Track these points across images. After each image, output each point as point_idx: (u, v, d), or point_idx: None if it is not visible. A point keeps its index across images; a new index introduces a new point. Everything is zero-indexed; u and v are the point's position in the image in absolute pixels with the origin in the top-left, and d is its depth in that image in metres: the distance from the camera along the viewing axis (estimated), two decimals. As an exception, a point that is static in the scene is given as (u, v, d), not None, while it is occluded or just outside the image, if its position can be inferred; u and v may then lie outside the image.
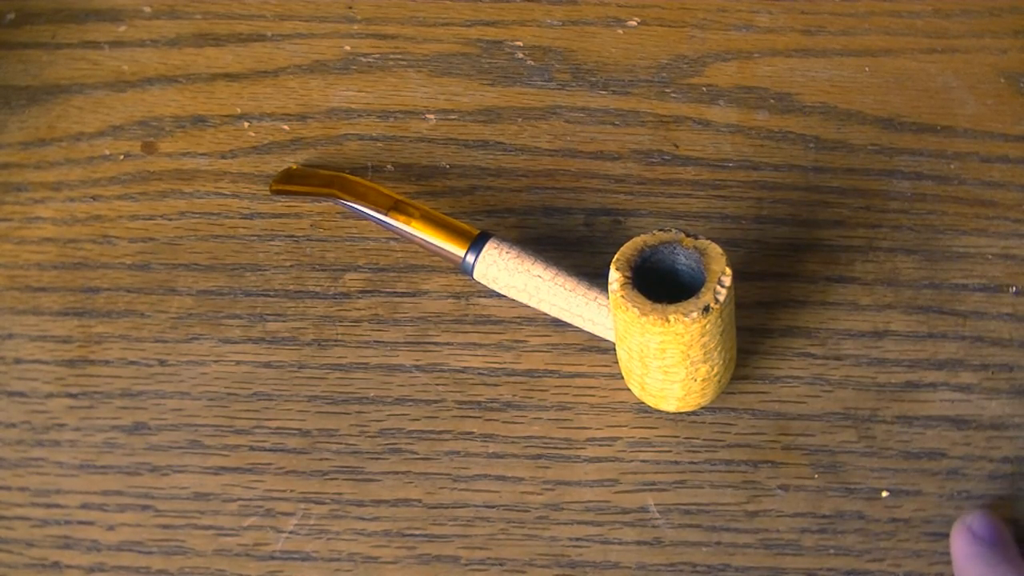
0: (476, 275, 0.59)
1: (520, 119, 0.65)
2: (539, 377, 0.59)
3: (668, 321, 0.53)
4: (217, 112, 0.66)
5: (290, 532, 0.57)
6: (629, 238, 0.55)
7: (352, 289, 0.62)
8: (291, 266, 0.62)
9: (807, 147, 0.63)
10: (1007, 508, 0.56)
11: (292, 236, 0.63)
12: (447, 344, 0.60)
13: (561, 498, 0.57)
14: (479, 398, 0.59)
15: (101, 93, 0.67)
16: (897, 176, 0.62)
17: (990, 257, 0.60)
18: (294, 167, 0.64)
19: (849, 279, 0.60)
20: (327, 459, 0.58)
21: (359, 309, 0.61)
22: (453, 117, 0.65)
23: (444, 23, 0.68)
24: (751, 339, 0.59)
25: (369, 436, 0.59)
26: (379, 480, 0.58)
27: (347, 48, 0.68)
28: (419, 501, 0.57)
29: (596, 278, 0.58)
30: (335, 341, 0.60)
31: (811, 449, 0.57)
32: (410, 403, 0.59)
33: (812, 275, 0.60)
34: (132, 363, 0.61)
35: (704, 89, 0.65)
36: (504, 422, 0.58)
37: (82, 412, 0.60)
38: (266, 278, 0.62)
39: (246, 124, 0.66)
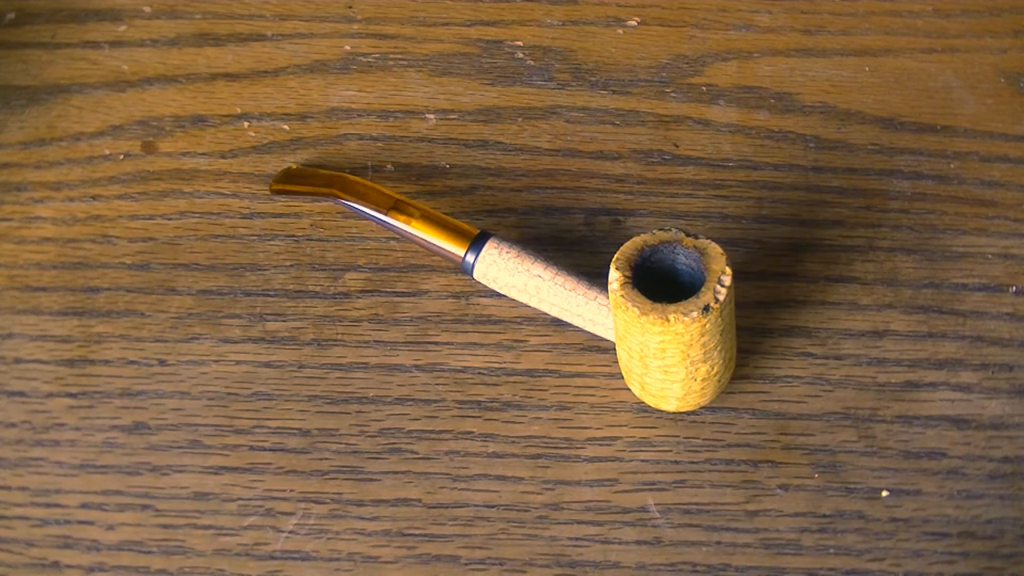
0: (476, 275, 0.59)
1: (520, 119, 0.65)
2: (539, 377, 0.59)
3: (668, 321, 0.53)
4: (217, 112, 0.66)
5: (290, 532, 0.57)
6: (629, 238, 0.55)
7: (352, 289, 0.62)
8: (291, 266, 0.62)
9: (807, 147, 0.63)
10: (1007, 508, 0.56)
11: (292, 236, 0.63)
12: (447, 344, 0.60)
13: (561, 498, 0.57)
14: (479, 398, 0.59)
15: (101, 93, 0.67)
16: (897, 176, 0.62)
17: (990, 257, 0.60)
18: (294, 167, 0.64)
19: (849, 279, 0.60)
20: (327, 459, 0.58)
21: (359, 309, 0.61)
22: (453, 117, 0.65)
23: (444, 23, 0.68)
24: (751, 339, 0.59)
25: (369, 436, 0.59)
26: (379, 480, 0.58)
27: (347, 48, 0.68)
28: (419, 501, 0.57)
29: (596, 278, 0.58)
30: (335, 341, 0.61)
31: (811, 449, 0.57)
32: (410, 403, 0.59)
33: (812, 275, 0.61)
34: (132, 363, 0.61)
35: (704, 89, 0.65)
36: (504, 422, 0.58)
37: (82, 412, 0.60)
38: (266, 278, 0.62)
39: (246, 124, 0.66)
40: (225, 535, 0.57)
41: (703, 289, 0.53)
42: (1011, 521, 0.55)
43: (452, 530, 0.57)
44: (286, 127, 0.66)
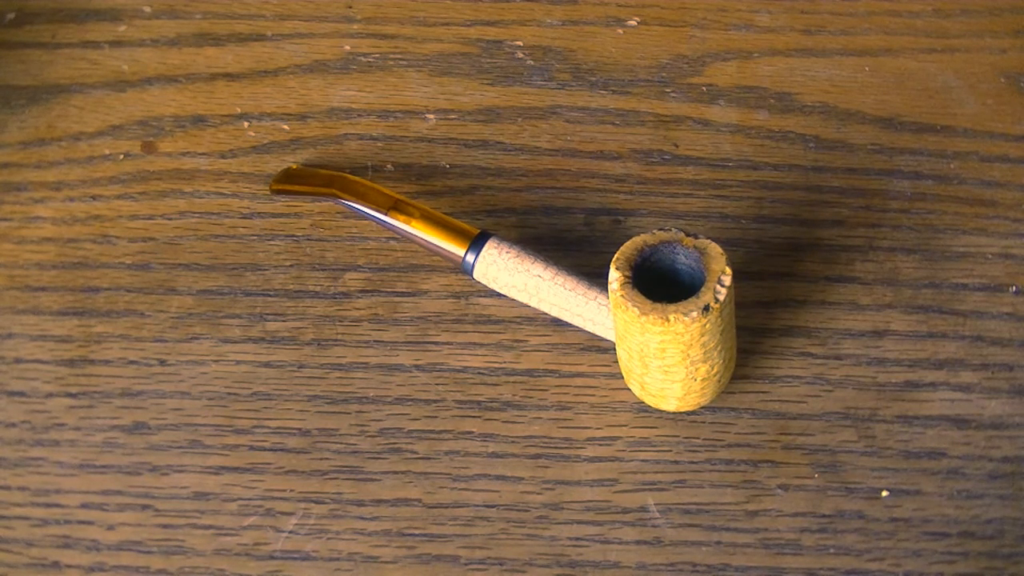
0: (476, 275, 0.59)
1: (520, 119, 0.65)
2: (539, 377, 0.59)
3: (668, 320, 0.53)
4: (217, 112, 0.66)
5: (290, 532, 0.57)
6: (629, 238, 0.55)
7: (352, 289, 0.62)
8: (291, 266, 0.62)
9: (807, 147, 0.63)
10: (1007, 508, 0.56)
11: (292, 236, 0.63)
12: (447, 344, 0.60)
13: (561, 498, 0.57)
14: (479, 398, 0.59)
15: (101, 93, 0.67)
16: (897, 176, 0.62)
17: (990, 257, 0.60)
18: (294, 167, 0.64)
19: (849, 279, 0.60)
20: (327, 459, 0.58)
21: (359, 309, 0.61)
22: (453, 117, 0.65)
23: (444, 23, 0.68)
24: (751, 339, 0.59)
25: (369, 436, 0.59)
26: (379, 480, 0.58)
27: (347, 48, 0.68)
28: (419, 501, 0.57)
29: (596, 278, 0.58)
30: (335, 341, 0.61)
31: (811, 449, 0.57)
32: (410, 403, 0.59)
33: (812, 275, 0.61)
34: (132, 363, 0.61)
35: (704, 89, 0.65)
36: (504, 422, 0.58)
37: (82, 412, 0.60)
38: (266, 278, 0.62)
39: (246, 124, 0.66)
40: (225, 535, 0.57)
41: (703, 289, 0.53)
42: (1011, 521, 0.55)
43: (452, 530, 0.57)
44: (286, 127, 0.66)
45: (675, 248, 0.54)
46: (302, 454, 0.58)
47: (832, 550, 0.56)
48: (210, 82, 0.67)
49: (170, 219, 0.64)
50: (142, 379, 0.60)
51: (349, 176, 0.63)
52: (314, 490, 0.58)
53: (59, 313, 0.62)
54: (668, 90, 0.65)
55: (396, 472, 0.58)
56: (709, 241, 0.54)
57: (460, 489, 0.57)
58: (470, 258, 0.59)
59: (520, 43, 0.67)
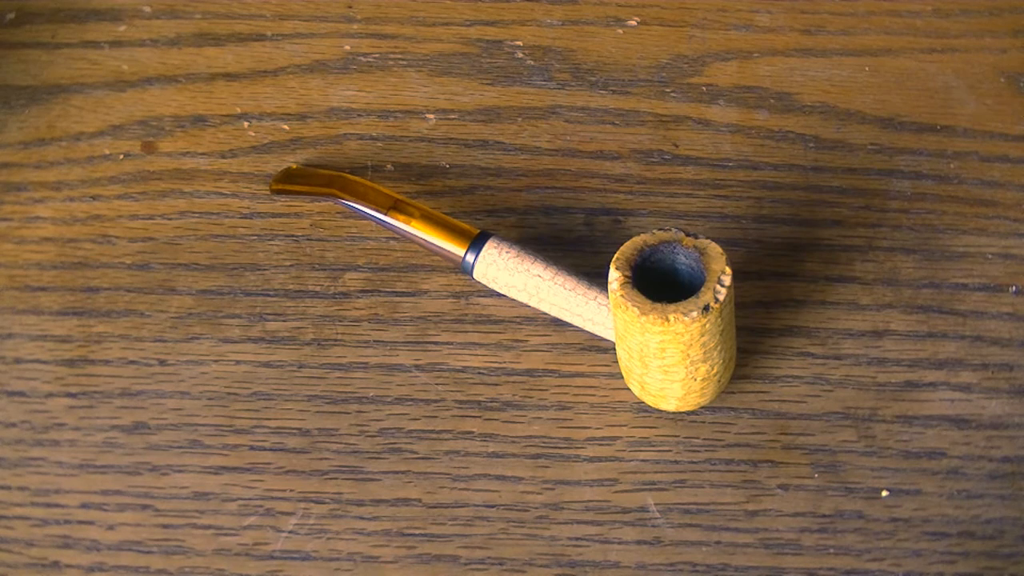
0: (476, 275, 0.59)
1: (520, 119, 0.65)
2: (539, 377, 0.59)
3: (668, 320, 0.53)
4: (217, 112, 0.66)
5: (290, 532, 0.57)
6: (629, 238, 0.55)
7: (352, 289, 0.62)
8: (291, 266, 0.62)
9: (807, 147, 0.63)
10: (1007, 508, 0.56)
11: (292, 236, 0.63)
12: (447, 344, 0.60)
13: (561, 498, 0.57)
14: (479, 398, 0.59)
15: (101, 93, 0.67)
16: (897, 176, 0.62)
17: (990, 257, 0.60)
18: (294, 167, 0.64)
19: (849, 279, 0.60)
20: (327, 459, 0.58)
21: (359, 309, 0.61)
22: (453, 117, 0.65)
23: (444, 23, 0.68)
24: (751, 339, 0.59)
25: (369, 436, 0.59)
26: (379, 480, 0.58)
27: (347, 48, 0.68)
28: (419, 501, 0.57)
29: (596, 278, 0.58)
30: (335, 341, 0.61)
31: (811, 449, 0.57)
32: (410, 403, 0.59)
33: (812, 275, 0.61)
34: (132, 363, 0.61)
35: (704, 89, 0.65)
36: (504, 422, 0.58)
37: (82, 412, 0.60)
38: (266, 278, 0.62)
39: (246, 124, 0.66)
40: (225, 535, 0.57)
41: (703, 289, 0.53)
42: (1011, 521, 0.55)
43: (452, 530, 0.57)
44: (286, 127, 0.66)
45: (675, 248, 0.55)
46: (302, 454, 0.58)
47: (832, 550, 0.56)
48: (210, 82, 0.67)
49: (170, 219, 0.64)
50: (142, 379, 0.60)
51: (349, 176, 0.63)
52: (314, 490, 0.58)
53: (59, 313, 0.62)
54: (668, 90, 0.65)
55: (396, 472, 0.58)
56: (709, 241, 0.54)
57: (460, 489, 0.57)
58: (470, 258, 0.59)
59: (520, 43, 0.67)
